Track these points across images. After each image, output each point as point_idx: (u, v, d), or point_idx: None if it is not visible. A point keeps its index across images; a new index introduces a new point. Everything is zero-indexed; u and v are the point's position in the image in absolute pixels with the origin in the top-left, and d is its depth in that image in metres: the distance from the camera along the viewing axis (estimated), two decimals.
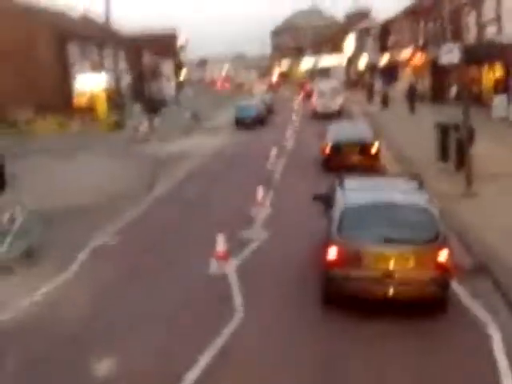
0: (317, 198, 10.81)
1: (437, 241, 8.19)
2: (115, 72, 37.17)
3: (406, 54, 46.50)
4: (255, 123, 34.71)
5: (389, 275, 8.02)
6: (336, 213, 8.61)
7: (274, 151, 21.84)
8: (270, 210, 14.53)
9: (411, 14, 45.81)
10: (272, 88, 72.04)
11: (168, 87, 72.21)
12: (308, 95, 45.91)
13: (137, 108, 49.05)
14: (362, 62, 58.90)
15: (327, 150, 18.90)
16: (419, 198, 8.86)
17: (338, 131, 20.04)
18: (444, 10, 39.41)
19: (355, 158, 18.09)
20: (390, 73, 50.70)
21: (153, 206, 16.29)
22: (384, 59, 53.80)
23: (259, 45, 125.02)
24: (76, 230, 13.42)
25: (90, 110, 39.54)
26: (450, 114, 23.21)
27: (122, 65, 50.80)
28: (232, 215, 14.16)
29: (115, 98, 39.68)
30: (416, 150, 21.40)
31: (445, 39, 38.33)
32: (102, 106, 42.31)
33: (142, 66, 57.57)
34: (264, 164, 20.83)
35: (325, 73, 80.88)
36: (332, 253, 8.26)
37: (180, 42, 77.41)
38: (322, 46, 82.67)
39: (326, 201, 9.95)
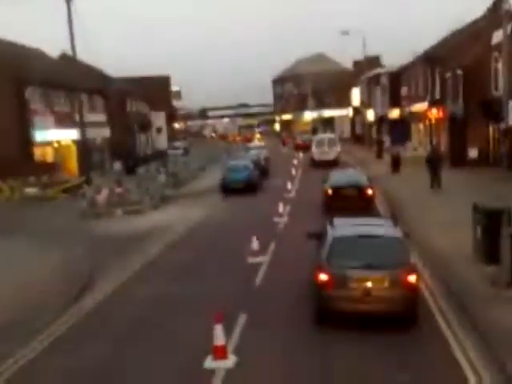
0: (310, 235, 12.62)
1: (407, 266, 10.32)
2: (81, 122, 31.37)
3: (419, 107, 41.02)
4: (246, 188, 28.98)
5: (368, 294, 10.03)
6: (326, 243, 10.88)
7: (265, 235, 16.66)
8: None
9: (425, 62, 40.54)
10: (246, 140, 77.47)
11: (159, 139, 67.08)
12: (284, 143, 63.58)
13: (117, 166, 43.59)
14: (370, 114, 53.48)
15: (329, 192, 21.55)
16: (393, 232, 11.20)
17: (337, 176, 23.04)
18: (464, 57, 34.08)
19: (353, 199, 20.83)
20: (402, 129, 45.18)
21: (62, 340, 10.71)
22: (394, 112, 48.38)
23: (261, 94, 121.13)
24: None
25: (53, 167, 33.89)
26: (482, 184, 23.72)
27: (101, 114, 45.70)
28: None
29: (87, 154, 34.09)
30: (447, 241, 15.83)
31: (465, 91, 32.95)
32: (70, 163, 36.78)
33: (127, 116, 52.40)
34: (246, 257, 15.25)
35: (329, 124, 76.05)
36: (323, 276, 10.30)
37: (174, 88, 72.60)
38: (326, 95, 77.85)
39: (318, 237, 12.05)
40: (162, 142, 67.50)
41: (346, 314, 10.28)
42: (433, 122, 38.27)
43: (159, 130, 67.86)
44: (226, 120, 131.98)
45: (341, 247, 10.53)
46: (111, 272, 15.19)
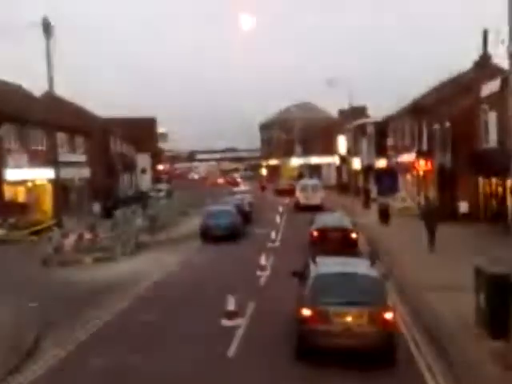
0: (295, 273, 13.53)
1: (384, 304, 10.87)
2: (55, 161, 29.98)
3: (406, 158, 40.32)
4: (228, 236, 27.59)
5: (348, 329, 10.56)
6: (309, 280, 11.46)
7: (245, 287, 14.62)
8: None
9: (412, 112, 40.07)
10: (229, 184, 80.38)
11: (143, 181, 65.84)
12: (263, 188, 67.81)
13: (96, 208, 42.04)
14: (356, 163, 52.82)
15: (315, 234, 22.46)
16: (372, 271, 11.77)
17: (323, 219, 24.23)
18: (452, 109, 33.59)
19: (338, 241, 21.58)
20: (389, 179, 44.33)
21: None
22: (381, 162, 47.68)
23: (249, 138, 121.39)
24: None
25: (23, 207, 32.27)
26: (479, 241, 22.73)
27: (81, 153, 44.46)
28: None
29: (62, 195, 32.58)
30: (447, 307, 14.23)
31: (454, 143, 32.26)
32: (44, 204, 35.20)
33: (110, 156, 51.20)
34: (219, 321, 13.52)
35: (316, 170, 75.41)
36: (305, 312, 10.88)
37: (160, 130, 71.81)
38: (313, 141, 77.50)
39: (301, 275, 12.76)
40: (146, 183, 66.29)
41: (327, 348, 10.79)
42: (421, 173, 37.47)
43: (144, 171, 66.70)
44: (212, 163, 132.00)
45: (322, 284, 11.18)
46: (62, 334, 13.28)
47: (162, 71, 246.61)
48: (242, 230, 29.45)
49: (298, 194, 43.01)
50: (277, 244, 26.44)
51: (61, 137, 39.51)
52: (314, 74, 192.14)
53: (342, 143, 61.74)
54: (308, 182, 47.08)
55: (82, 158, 44.11)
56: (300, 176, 70.35)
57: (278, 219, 34.94)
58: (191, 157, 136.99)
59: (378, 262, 13.22)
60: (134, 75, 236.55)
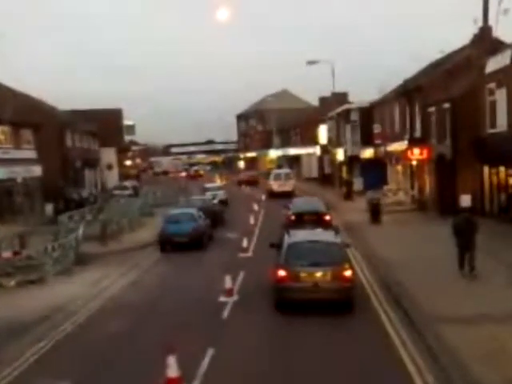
0: (272, 245, 15.82)
1: (344, 263, 13.42)
2: None
3: (397, 147, 35.92)
4: (191, 244, 22.98)
5: (315, 285, 13.00)
6: (283, 248, 13.95)
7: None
8: None
9: (403, 95, 35.66)
10: (191, 178, 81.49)
11: (110, 178, 60.54)
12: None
13: (49, 210, 36.90)
14: (340, 154, 48.26)
15: (291, 218, 24.10)
16: (334, 238, 14.54)
17: (299, 203, 26.45)
18: (451, 89, 29.21)
19: (313, 224, 21.59)
20: (376, 170, 40.04)
21: None
22: (367, 152, 43.26)
23: (226, 130, 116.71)
24: None
25: None
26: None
27: (30, 149, 39.22)
28: None
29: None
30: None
31: (454, 128, 27.89)
32: None
33: (66, 152, 45.96)
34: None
35: (295, 161, 71.00)
36: (281, 272, 13.25)
37: (126, 122, 66.42)
38: (292, 132, 72.93)
39: (278, 246, 15.06)
40: (113, 180, 60.98)
41: (300, 300, 13.23)
42: (414, 163, 33.09)
43: (110, 167, 61.36)
44: (176, 158, 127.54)
45: (294, 250, 13.60)
46: None
47: (136, 62, 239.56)
48: (209, 236, 24.76)
49: (272, 182, 45.73)
50: (249, 254, 21.76)
51: (2, 130, 34.48)
52: (293, 61, 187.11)
53: (323, 132, 57.20)
54: (281, 171, 50.01)
55: (31, 154, 38.86)
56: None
57: (252, 221, 30.19)
58: (166, 150, 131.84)
59: (339, 233, 16.13)
60: (107, 66, 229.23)
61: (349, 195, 39.69)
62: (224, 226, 29.93)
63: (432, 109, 30.77)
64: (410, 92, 34.42)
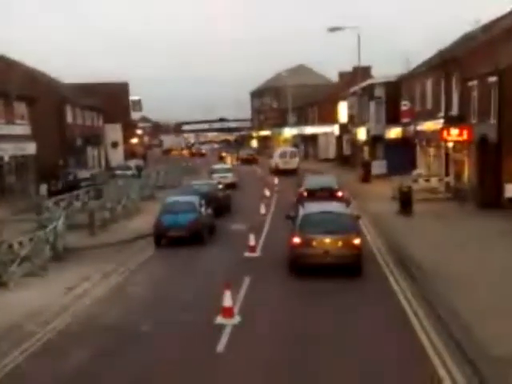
0: (288, 217, 17.16)
1: (353, 232, 14.68)
2: None
3: (429, 126, 31.92)
4: (190, 238, 19.51)
5: (326, 252, 14.30)
6: (298, 218, 15.39)
7: None
8: None
9: (438, 67, 31.57)
10: (192, 155, 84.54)
11: (115, 156, 57.12)
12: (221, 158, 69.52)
13: (43, 190, 33.52)
14: (362, 133, 44.22)
15: (304, 194, 24.39)
16: (345, 210, 16.34)
17: (311, 180, 26.65)
18: (499, 60, 25.10)
19: (325, 200, 21.14)
20: (404, 152, 36.12)
21: None
22: (393, 131, 39.26)
23: (239, 107, 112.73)
24: None
25: None
26: None
27: (24, 124, 35.84)
28: None
29: None
30: None
31: (501, 106, 23.88)
32: None
33: (65, 128, 42.53)
34: None
35: (311, 141, 67.08)
36: (296, 240, 14.60)
37: (133, 98, 62.64)
38: (309, 110, 68.79)
39: (293, 217, 16.42)
40: (118, 159, 57.54)
41: (312, 265, 14.60)
42: (450, 145, 29.13)
43: (115, 145, 57.92)
44: (179, 136, 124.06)
45: (308, 220, 15.10)
46: None
47: (148, 39, 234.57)
48: (211, 228, 21.19)
49: (278, 159, 47.32)
50: (257, 254, 18.13)
51: None
52: (312, 35, 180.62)
53: (343, 110, 53.09)
54: (287, 149, 51.18)
55: (24, 130, 35.47)
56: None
57: (263, 210, 26.39)
58: (178, 128, 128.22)
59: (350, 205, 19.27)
60: (118, 43, 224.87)
61: (366, 178, 36.75)
62: (230, 214, 26.43)
63: (473, 83, 26.70)
64: (446, 64, 30.30)
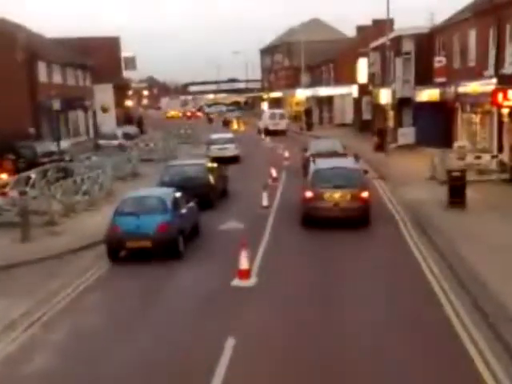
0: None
1: (362, 186, 15.93)
2: None
3: (476, 88, 25.46)
4: (157, 251, 14.02)
5: (336, 205, 15.60)
6: (310, 173, 16.77)
7: None
8: None
9: (486, 11, 25.03)
10: (188, 118, 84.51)
11: (106, 122, 50.88)
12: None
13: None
14: (385, 95, 37.53)
15: (310, 159, 22.59)
16: (354, 164, 17.36)
17: (317, 145, 26.75)
18: None
19: None
20: (440, 120, 29.83)
21: None
22: (425, 93, 32.82)
23: (250, 68, 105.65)
24: None
25: None
26: None
27: None
28: None
29: None
30: None
31: None
32: None
33: (37, 89, 36.48)
34: None
35: (326, 103, 60.63)
36: (308, 194, 15.88)
37: (125, 54, 56.02)
38: (323, 68, 62.02)
39: (304, 174, 19.47)
40: (110, 125, 51.37)
41: (323, 218, 15.80)
42: (505, 111, 22.79)
43: (105, 110, 51.75)
44: (174, 100, 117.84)
45: (319, 175, 16.36)
46: None
47: None
48: (191, 232, 15.31)
49: (268, 121, 49.67)
50: (252, 281, 12.17)
51: None
52: None
53: (363, 68, 46.38)
54: (275, 111, 53.93)
55: None
56: (308, 113, 55.39)
57: (265, 202, 20.10)
58: (184, 89, 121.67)
59: (359, 160, 18.97)
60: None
61: (380, 146, 32.40)
62: (226, 201, 20.64)
63: None
64: (498, 8, 23.73)
